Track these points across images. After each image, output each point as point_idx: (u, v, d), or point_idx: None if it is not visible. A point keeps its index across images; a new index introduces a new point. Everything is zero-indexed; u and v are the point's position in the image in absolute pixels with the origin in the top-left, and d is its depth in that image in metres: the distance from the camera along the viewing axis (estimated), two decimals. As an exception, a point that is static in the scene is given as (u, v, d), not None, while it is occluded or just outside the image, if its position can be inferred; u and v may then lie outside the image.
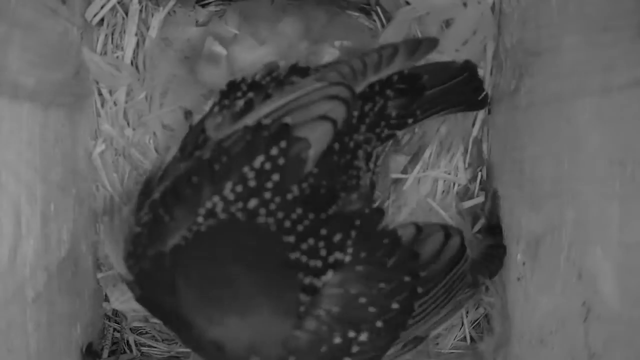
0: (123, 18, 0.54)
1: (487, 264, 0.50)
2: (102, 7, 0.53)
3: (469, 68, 0.51)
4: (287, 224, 0.40)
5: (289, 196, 0.41)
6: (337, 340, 0.39)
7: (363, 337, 0.40)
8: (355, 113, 0.46)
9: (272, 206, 0.40)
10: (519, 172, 0.49)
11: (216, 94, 0.46)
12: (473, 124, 0.56)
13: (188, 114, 0.55)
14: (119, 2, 0.54)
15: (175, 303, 0.38)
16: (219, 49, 0.52)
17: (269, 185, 0.40)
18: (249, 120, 0.42)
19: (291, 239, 0.40)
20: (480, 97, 0.53)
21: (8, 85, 0.38)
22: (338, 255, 0.41)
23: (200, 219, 0.39)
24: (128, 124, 0.55)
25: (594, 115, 0.37)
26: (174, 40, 0.55)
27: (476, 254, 0.49)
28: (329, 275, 0.40)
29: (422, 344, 0.47)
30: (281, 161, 0.40)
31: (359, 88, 0.45)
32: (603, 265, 0.36)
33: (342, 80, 0.44)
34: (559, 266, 0.41)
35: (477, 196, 0.56)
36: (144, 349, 0.58)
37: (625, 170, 0.33)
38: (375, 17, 0.55)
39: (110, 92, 0.55)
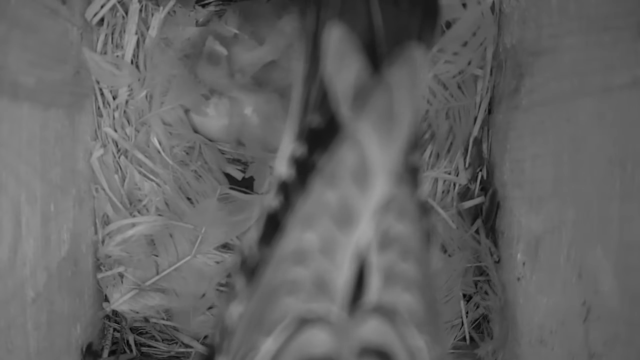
0: (123, 18, 0.54)
1: None
2: (102, 7, 0.53)
3: None
4: None
5: None
6: None
7: None
8: None
9: None
10: (519, 172, 0.49)
11: None
12: (473, 124, 0.56)
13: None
14: (119, 2, 0.54)
15: None
16: (220, 49, 0.52)
17: None
18: None
19: None
20: None
21: (8, 85, 0.38)
22: None
23: None
24: (129, 122, 0.56)
25: (594, 115, 0.37)
26: (174, 40, 0.55)
27: None
28: None
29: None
30: None
31: None
32: (603, 265, 0.36)
33: None
34: (559, 266, 0.41)
35: (477, 196, 0.56)
36: (144, 349, 0.57)
37: (625, 170, 0.33)
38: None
39: (111, 92, 0.55)
